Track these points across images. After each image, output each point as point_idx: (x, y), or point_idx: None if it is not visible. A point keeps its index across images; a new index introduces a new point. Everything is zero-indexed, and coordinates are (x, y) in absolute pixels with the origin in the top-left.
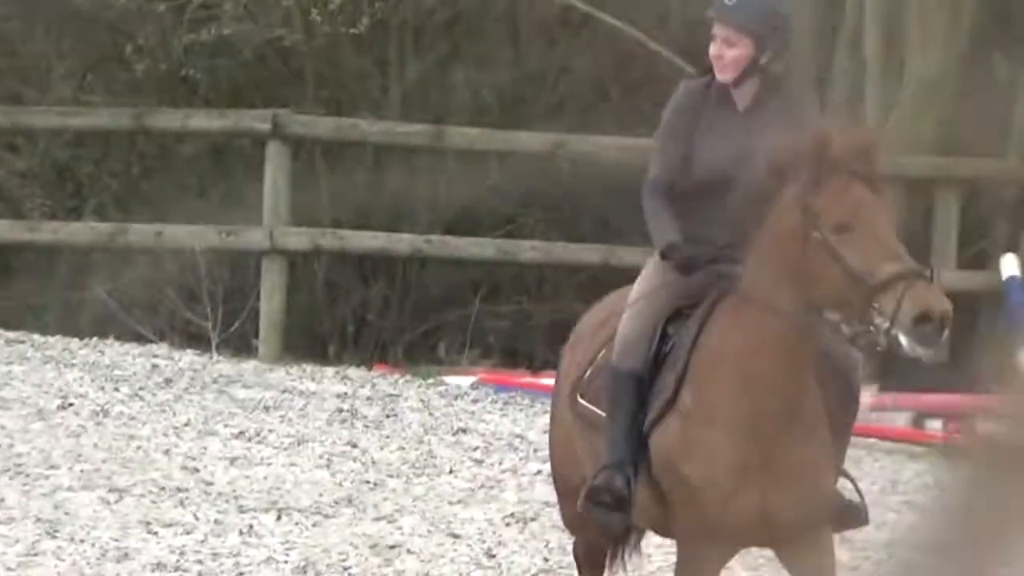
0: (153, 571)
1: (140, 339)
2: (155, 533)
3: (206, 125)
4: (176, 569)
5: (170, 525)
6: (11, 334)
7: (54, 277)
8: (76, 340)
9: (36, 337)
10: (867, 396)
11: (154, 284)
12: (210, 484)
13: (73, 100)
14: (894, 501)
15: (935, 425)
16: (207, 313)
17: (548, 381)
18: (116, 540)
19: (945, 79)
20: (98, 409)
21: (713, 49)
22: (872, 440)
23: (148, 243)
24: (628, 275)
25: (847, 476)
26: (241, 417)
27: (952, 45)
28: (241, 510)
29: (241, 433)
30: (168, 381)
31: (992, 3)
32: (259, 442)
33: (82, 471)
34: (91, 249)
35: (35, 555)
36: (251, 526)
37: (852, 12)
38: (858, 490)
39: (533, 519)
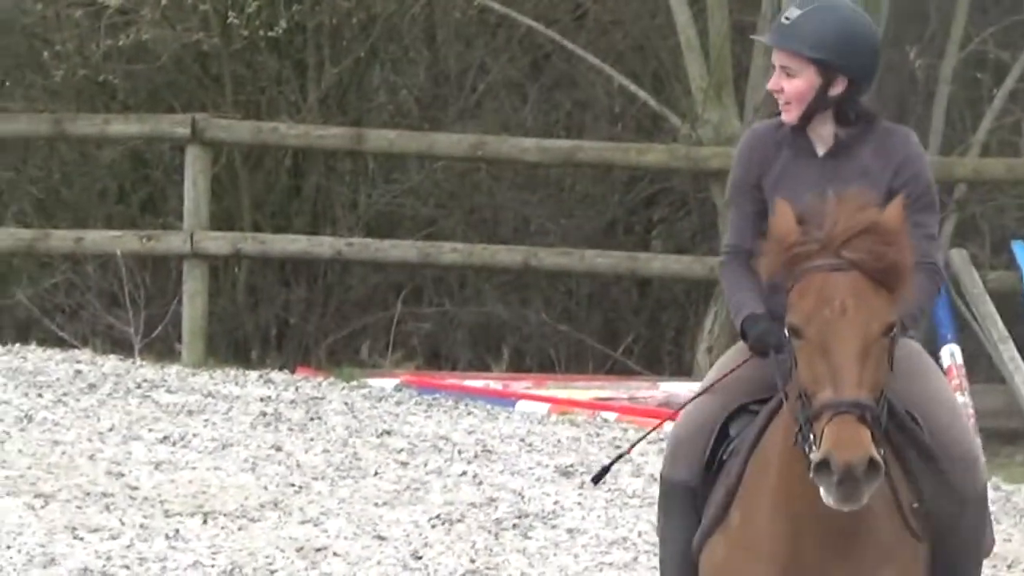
0: None
1: (63, 344)
2: (81, 538)
3: (125, 130)
4: (103, 574)
5: (96, 530)
6: None
7: None
8: None
9: None
10: None
11: (76, 289)
12: (135, 489)
13: None
14: None
15: None
16: (129, 318)
17: (471, 383)
18: (42, 546)
19: None
20: (22, 415)
21: (771, 82)
22: None
23: (69, 249)
24: (548, 275)
25: None
26: (165, 422)
27: None
28: (167, 514)
29: (166, 438)
30: (92, 386)
31: (906, 3)
32: (184, 446)
33: (7, 477)
34: (12, 255)
35: None
36: (177, 530)
37: (768, 8)
38: None
39: (459, 520)
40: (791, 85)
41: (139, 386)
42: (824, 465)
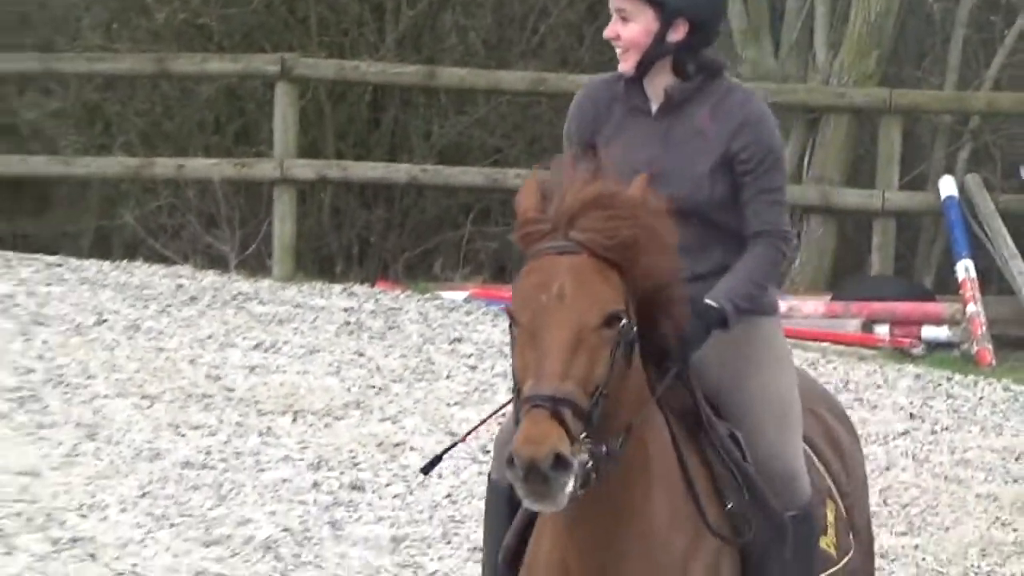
0: (182, 468)
1: (166, 261)
2: (183, 435)
3: (221, 68)
4: (203, 467)
5: (196, 428)
6: (50, 259)
7: (87, 207)
8: (108, 263)
9: (72, 261)
10: (821, 304)
11: (177, 212)
12: (231, 390)
13: (100, 47)
14: (846, 398)
15: (882, 330)
16: (226, 237)
17: None
18: (148, 442)
19: (887, 18)
20: (130, 325)
21: (607, 28)
22: (825, 344)
23: (171, 175)
24: None
25: None
26: (258, 330)
27: None
28: (260, 413)
29: (258, 345)
30: (192, 299)
31: None
32: (275, 352)
33: (116, 380)
34: (120, 181)
35: (76, 456)
36: (269, 427)
37: None
38: None
39: None
40: (628, 31)
41: (234, 298)
42: (511, 461)
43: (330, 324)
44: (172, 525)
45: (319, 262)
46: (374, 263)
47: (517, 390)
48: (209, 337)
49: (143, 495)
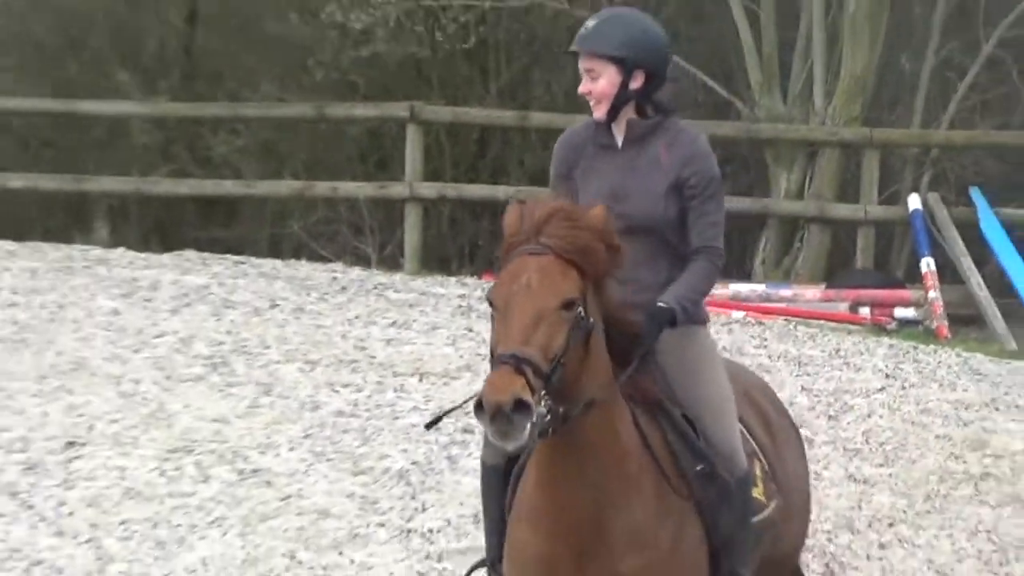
0: (336, 417)
1: (323, 260)
2: (337, 391)
3: (364, 113)
4: (351, 415)
5: (347, 386)
6: (236, 258)
7: (264, 219)
8: (280, 261)
9: (253, 259)
10: (818, 291)
11: (332, 222)
12: (373, 357)
13: (276, 97)
14: (837, 363)
15: (865, 311)
16: (369, 241)
17: None
18: (310, 396)
19: (868, 74)
20: (296, 308)
21: (581, 86)
22: (822, 322)
23: (327, 194)
24: None
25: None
26: (393, 312)
27: (873, 50)
28: (395, 375)
29: (393, 323)
30: (343, 288)
31: (900, 18)
32: (406, 328)
33: (287, 349)
34: (288, 199)
35: (256, 407)
36: (402, 385)
37: (804, 27)
38: None
39: None
40: (597, 86)
41: (375, 288)
42: (479, 406)
43: (447, 307)
44: (328, 460)
45: (439, 260)
46: (481, 261)
47: (491, 358)
48: (356, 317)
49: (306, 437)
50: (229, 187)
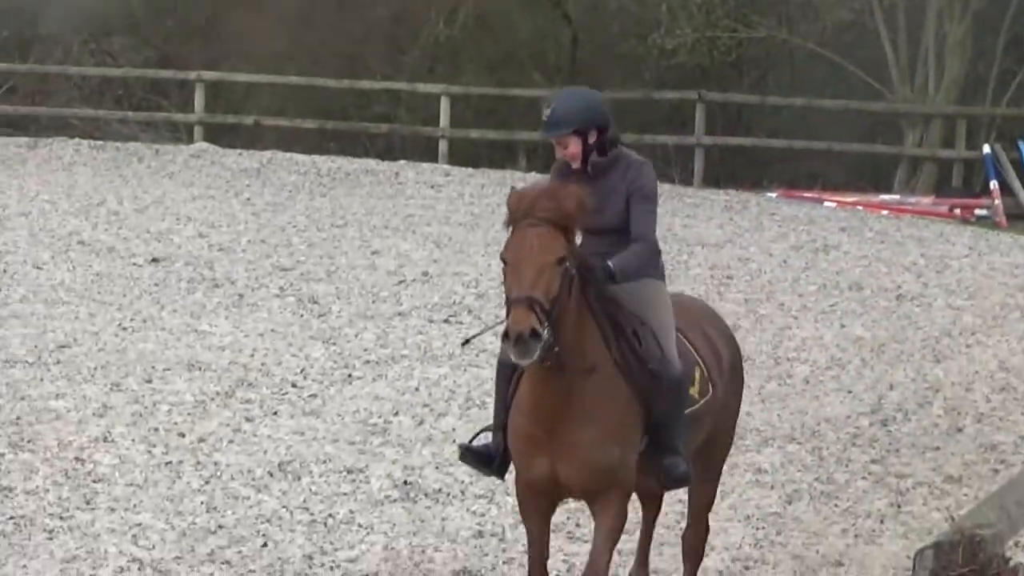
0: None
1: None
2: None
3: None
4: None
5: None
6: None
7: None
8: None
9: None
10: (930, 200)
11: None
12: None
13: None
14: (941, 240)
15: (957, 211)
16: None
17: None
18: None
19: (960, 75)
20: None
21: (557, 151)
22: (931, 217)
23: None
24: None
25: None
26: None
27: (963, 61)
28: None
29: None
30: None
31: (980, 41)
32: None
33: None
34: None
35: None
36: None
37: (923, 46)
38: (683, 458)
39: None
40: (569, 151)
41: None
42: (506, 335)
43: None
44: None
45: None
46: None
47: (507, 300)
48: None
49: None
50: None
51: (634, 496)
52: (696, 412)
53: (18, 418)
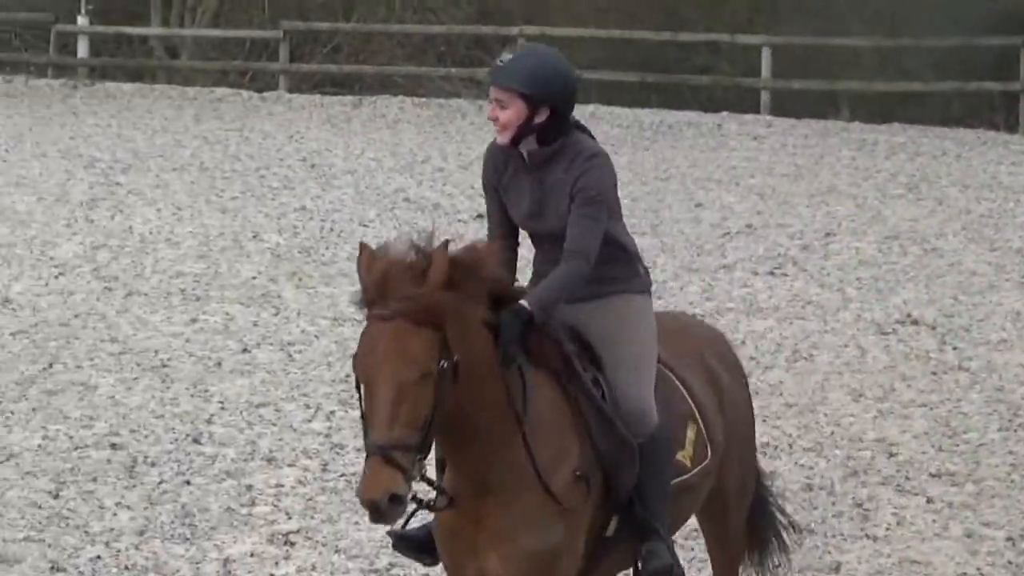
0: None
1: None
2: None
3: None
4: None
5: None
6: None
7: None
8: None
9: None
10: None
11: None
12: None
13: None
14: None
15: None
16: None
17: None
18: None
19: None
20: None
21: (489, 111)
22: None
23: None
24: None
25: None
26: None
27: None
28: None
29: None
30: None
31: None
32: None
33: None
34: None
35: None
36: None
37: None
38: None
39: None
40: (504, 115)
41: None
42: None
43: None
44: None
45: None
46: None
47: (365, 436)
48: None
49: None
50: None
51: None
52: (688, 483)
53: (347, 376)
